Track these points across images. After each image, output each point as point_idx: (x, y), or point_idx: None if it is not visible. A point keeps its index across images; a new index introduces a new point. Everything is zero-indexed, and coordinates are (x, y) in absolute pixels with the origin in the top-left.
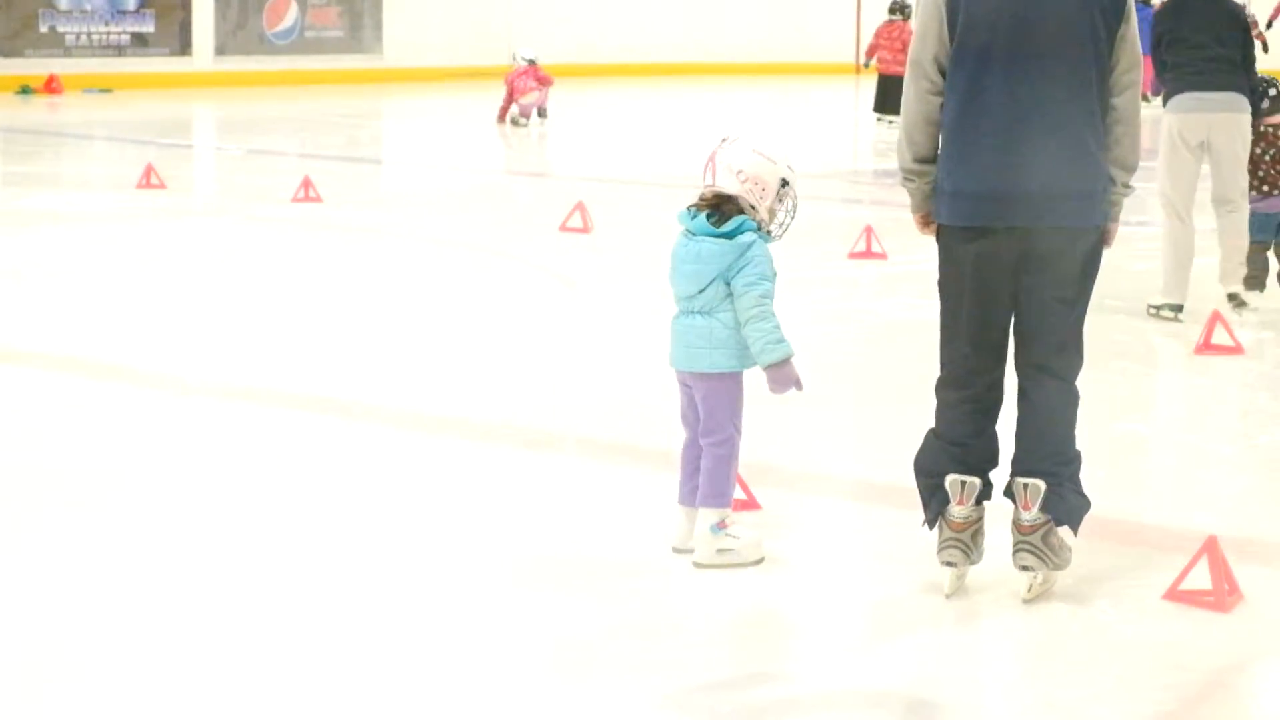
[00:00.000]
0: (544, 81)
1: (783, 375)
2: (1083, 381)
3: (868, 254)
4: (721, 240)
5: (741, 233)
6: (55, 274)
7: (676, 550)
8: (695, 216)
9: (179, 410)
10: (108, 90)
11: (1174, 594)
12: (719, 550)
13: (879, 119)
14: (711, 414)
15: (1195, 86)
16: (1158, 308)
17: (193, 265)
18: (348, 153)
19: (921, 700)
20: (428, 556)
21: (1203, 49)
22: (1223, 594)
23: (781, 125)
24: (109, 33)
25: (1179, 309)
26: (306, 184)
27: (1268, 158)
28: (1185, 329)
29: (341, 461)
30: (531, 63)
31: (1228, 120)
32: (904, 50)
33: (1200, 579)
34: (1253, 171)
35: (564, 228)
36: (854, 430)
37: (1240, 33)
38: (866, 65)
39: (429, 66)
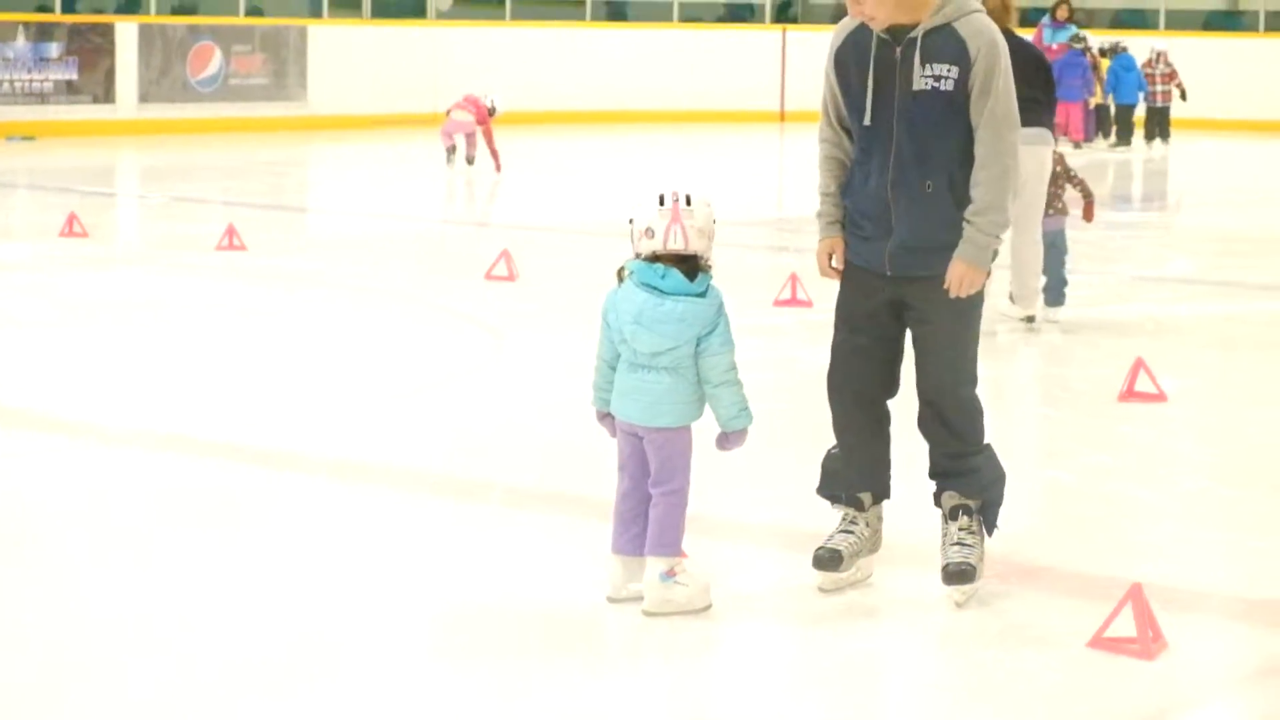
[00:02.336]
0: (480, 119)
1: (739, 440)
2: (1008, 429)
3: (793, 301)
4: (699, 300)
5: (710, 289)
6: None
7: (611, 600)
8: (666, 274)
9: (101, 460)
10: (30, 138)
11: (1099, 641)
12: (667, 599)
13: None
14: (666, 464)
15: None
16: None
17: (116, 314)
18: (272, 200)
19: None
20: (351, 607)
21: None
22: (1147, 641)
23: (706, 172)
24: (32, 80)
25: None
26: (230, 232)
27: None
28: (1110, 375)
29: (263, 511)
30: (491, 111)
31: (1037, 153)
32: None
33: (1125, 626)
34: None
35: (489, 276)
36: (778, 478)
37: (1044, 75)
38: None
39: (354, 114)
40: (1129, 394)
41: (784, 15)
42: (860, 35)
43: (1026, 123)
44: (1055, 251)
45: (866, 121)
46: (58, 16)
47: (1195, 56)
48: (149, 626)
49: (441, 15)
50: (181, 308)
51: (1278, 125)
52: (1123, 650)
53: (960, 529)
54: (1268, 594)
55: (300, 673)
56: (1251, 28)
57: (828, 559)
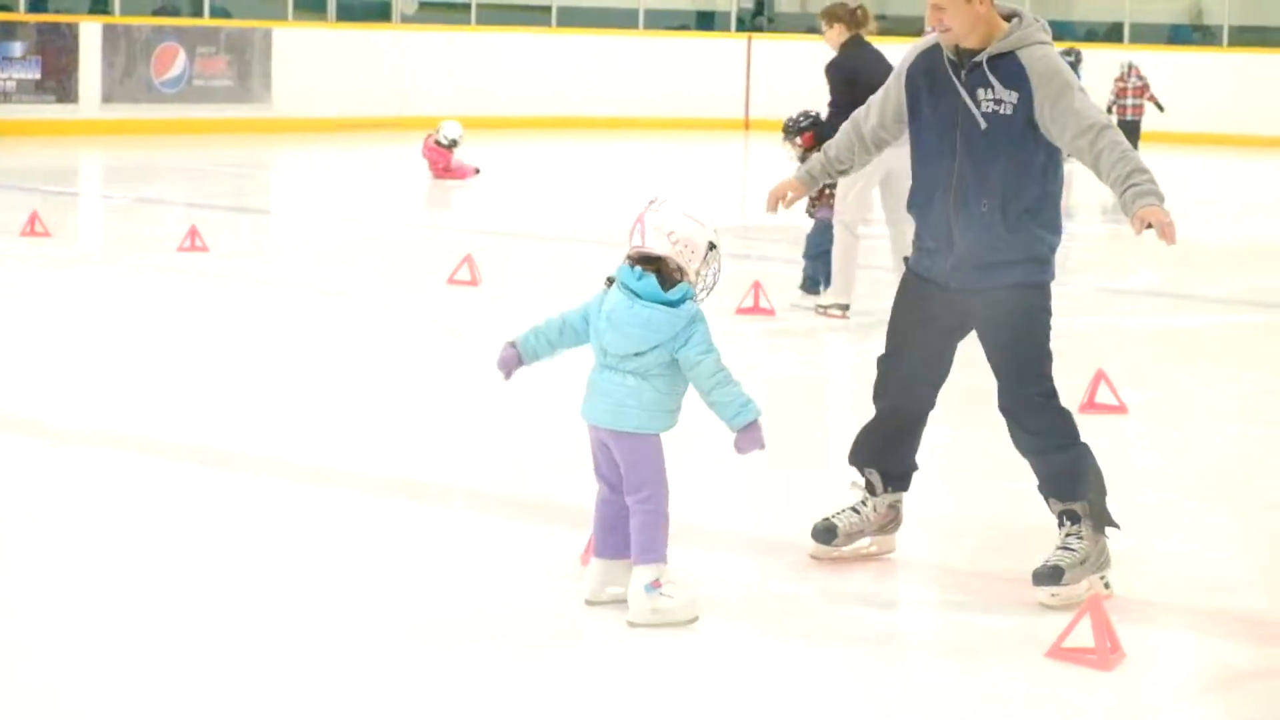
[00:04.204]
0: (459, 173)
1: (753, 435)
2: (969, 439)
3: (755, 310)
4: (668, 309)
5: (685, 301)
6: None
7: (589, 602)
8: (643, 278)
9: (58, 460)
10: None
11: (1057, 651)
12: (654, 610)
13: None
14: (634, 472)
15: None
16: (826, 306)
17: (76, 314)
18: (235, 202)
19: None
20: (313, 608)
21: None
22: (1105, 652)
23: (670, 179)
24: None
25: (846, 307)
26: (193, 233)
27: None
28: (1072, 386)
29: (225, 514)
30: (452, 144)
31: (905, 152)
32: None
33: (1083, 637)
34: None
35: (452, 280)
36: (741, 486)
37: None
38: None
39: (318, 117)
40: (1090, 405)
41: (751, 24)
42: (930, 57)
43: None
44: (824, 240)
45: (933, 141)
46: (21, 15)
47: (1160, 70)
48: (105, 627)
49: (406, 19)
50: (143, 309)
51: (1241, 139)
52: (1081, 661)
53: (1067, 534)
54: (1225, 606)
55: (263, 675)
56: (1215, 42)
57: (822, 531)
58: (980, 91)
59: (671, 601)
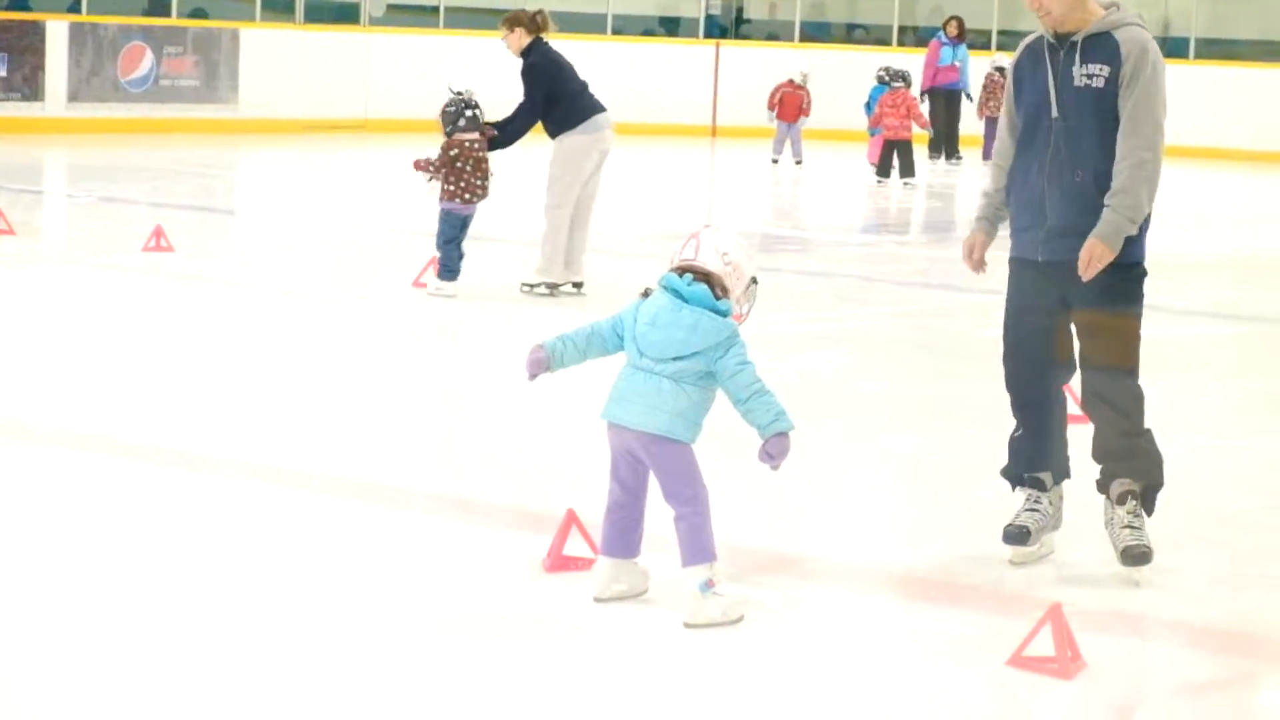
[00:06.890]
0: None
1: (782, 444)
2: (935, 449)
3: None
4: (717, 316)
5: (729, 314)
6: None
7: (597, 599)
8: (694, 284)
9: (18, 457)
10: None
11: (1018, 660)
12: (711, 610)
13: (880, 182)
14: (673, 477)
15: (599, 109)
16: (533, 285)
17: (39, 312)
18: (200, 202)
19: None
20: (292, 613)
21: (578, 79)
22: (1065, 660)
23: (637, 185)
24: None
25: (556, 286)
26: (158, 233)
27: (468, 168)
28: None
29: (189, 515)
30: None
31: (583, 140)
32: (908, 116)
33: (1044, 645)
34: (459, 179)
35: (417, 283)
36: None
37: (572, 71)
38: (872, 133)
39: (284, 118)
40: None
41: (720, 30)
42: (1032, 46)
43: (588, 113)
44: (449, 229)
45: (1032, 120)
46: None
47: None
48: (67, 629)
49: (374, 22)
50: (107, 308)
51: (1207, 152)
52: (1042, 669)
53: (1128, 513)
54: (1184, 616)
55: (221, 676)
56: (1181, 54)
57: (1016, 534)
58: (1075, 67)
59: (725, 601)
